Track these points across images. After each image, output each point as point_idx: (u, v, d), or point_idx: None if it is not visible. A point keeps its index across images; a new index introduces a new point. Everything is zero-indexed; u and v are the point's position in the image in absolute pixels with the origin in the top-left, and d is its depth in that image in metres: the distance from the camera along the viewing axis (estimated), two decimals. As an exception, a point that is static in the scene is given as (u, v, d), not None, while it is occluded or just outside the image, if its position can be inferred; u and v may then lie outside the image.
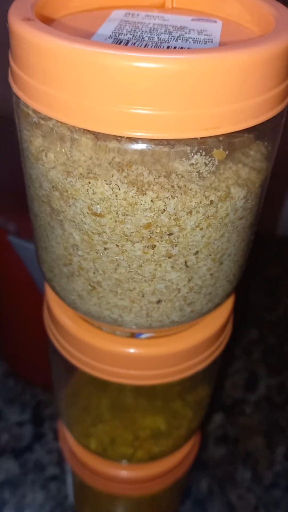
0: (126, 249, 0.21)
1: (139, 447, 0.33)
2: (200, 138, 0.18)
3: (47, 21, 0.22)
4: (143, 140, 0.18)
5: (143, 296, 0.23)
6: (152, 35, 0.21)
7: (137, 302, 0.23)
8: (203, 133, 0.17)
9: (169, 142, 0.18)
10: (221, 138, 0.18)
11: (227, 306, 0.29)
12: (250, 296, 0.68)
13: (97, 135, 0.19)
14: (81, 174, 0.19)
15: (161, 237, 0.20)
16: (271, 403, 0.56)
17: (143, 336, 0.27)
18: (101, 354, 0.26)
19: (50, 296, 0.28)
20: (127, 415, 0.33)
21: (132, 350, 0.25)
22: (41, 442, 0.52)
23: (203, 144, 0.18)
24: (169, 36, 0.21)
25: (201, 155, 0.18)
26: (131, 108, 0.17)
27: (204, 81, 0.16)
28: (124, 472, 0.36)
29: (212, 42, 0.21)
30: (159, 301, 0.23)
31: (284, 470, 0.51)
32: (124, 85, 0.16)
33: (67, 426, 0.35)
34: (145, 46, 0.20)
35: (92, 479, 0.37)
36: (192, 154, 0.18)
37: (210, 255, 0.22)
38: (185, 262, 0.22)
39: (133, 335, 0.26)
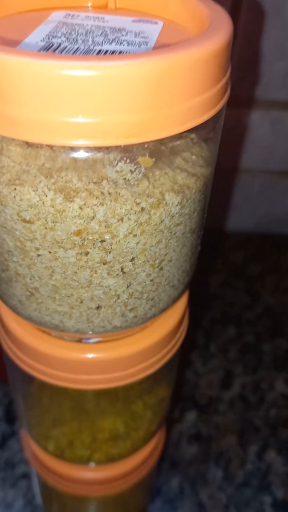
0: (59, 256, 0.20)
1: (96, 449, 0.33)
2: (123, 145, 0.17)
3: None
4: (71, 148, 0.18)
5: (81, 302, 0.22)
6: (87, 38, 0.21)
7: (76, 308, 0.23)
8: (125, 141, 0.17)
9: (100, 149, 0.18)
10: (146, 146, 0.18)
11: (179, 309, 0.29)
12: (229, 295, 0.67)
13: (27, 142, 0.19)
14: (8, 180, 0.19)
15: (93, 244, 0.20)
16: (245, 402, 0.56)
17: (91, 340, 0.26)
18: (47, 358, 0.26)
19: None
20: (85, 417, 0.33)
21: (77, 355, 0.25)
22: (12, 440, 0.52)
23: (127, 152, 0.18)
24: (104, 39, 0.21)
25: (125, 162, 0.18)
26: (46, 115, 0.16)
27: (120, 89, 0.16)
28: (86, 473, 0.36)
29: (146, 45, 0.20)
30: (98, 307, 0.23)
31: (256, 469, 0.51)
32: (41, 93, 0.16)
33: (26, 428, 0.34)
34: (76, 50, 0.20)
35: (54, 481, 0.37)
36: (116, 162, 0.18)
37: (148, 261, 0.22)
38: (122, 269, 0.21)
39: (81, 340, 0.26)
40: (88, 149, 0.18)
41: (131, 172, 0.18)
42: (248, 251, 0.74)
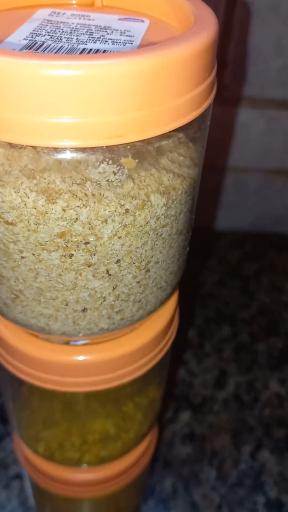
0: (43, 258, 0.20)
1: (86, 451, 0.33)
2: (106, 147, 0.17)
3: None
4: (54, 149, 0.17)
5: (67, 304, 0.22)
6: (71, 36, 0.20)
7: (61, 310, 0.22)
8: (107, 142, 0.17)
9: (83, 150, 0.18)
10: (128, 147, 0.18)
11: (169, 310, 0.28)
12: (224, 294, 0.67)
13: (10, 143, 0.18)
14: (-10, 181, 0.19)
15: (77, 246, 0.20)
16: (239, 402, 0.56)
17: (79, 342, 0.26)
18: (35, 361, 0.26)
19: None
20: (75, 419, 0.33)
21: (65, 358, 0.25)
22: (6, 441, 0.52)
23: (110, 153, 0.17)
24: (88, 37, 0.20)
25: (108, 163, 0.18)
26: (28, 116, 0.16)
27: (101, 89, 0.15)
28: (76, 475, 0.36)
29: (132, 43, 0.20)
30: (84, 310, 0.22)
31: (250, 469, 0.51)
32: (22, 93, 0.16)
33: (16, 430, 0.34)
34: (59, 49, 0.19)
35: (45, 483, 0.37)
36: (99, 163, 0.18)
37: (134, 263, 0.21)
38: (107, 271, 0.21)
39: (68, 342, 0.26)
40: (71, 150, 0.18)
41: (114, 173, 0.18)
42: (243, 250, 0.74)
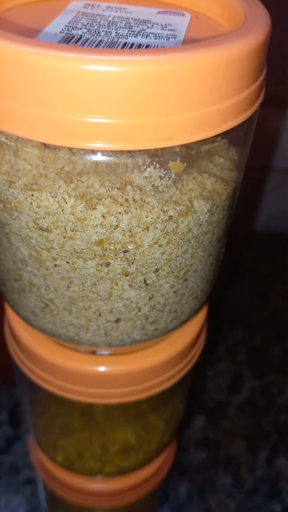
0: (77, 267, 0.19)
1: (107, 462, 0.32)
2: (153, 149, 0.16)
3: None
4: (92, 151, 0.16)
5: (99, 315, 0.21)
6: (110, 30, 0.19)
7: (93, 321, 0.21)
8: (155, 145, 0.15)
9: (124, 153, 0.16)
10: (177, 150, 0.16)
11: (199, 320, 0.27)
12: (237, 296, 0.66)
13: (45, 143, 0.17)
14: (25, 185, 0.17)
15: (115, 254, 0.18)
16: (254, 407, 0.55)
17: (106, 352, 0.25)
18: (58, 371, 0.24)
19: (8, 308, 0.27)
20: (95, 427, 0.32)
21: (90, 368, 0.24)
22: (17, 444, 0.51)
23: (156, 156, 0.16)
24: (128, 31, 0.19)
25: (154, 167, 0.16)
26: (67, 116, 0.15)
27: (150, 87, 0.14)
28: (94, 484, 0.35)
29: (175, 38, 0.19)
30: (118, 320, 0.21)
31: (266, 476, 0.50)
32: (62, 90, 0.14)
33: (34, 437, 0.33)
34: (99, 43, 0.18)
35: (62, 491, 0.36)
36: (145, 167, 0.16)
37: (173, 272, 0.20)
38: (144, 280, 0.20)
39: (95, 352, 0.25)
40: (112, 152, 0.16)
41: (161, 178, 0.17)
42: (256, 251, 0.72)
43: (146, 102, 0.15)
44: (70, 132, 0.15)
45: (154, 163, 0.16)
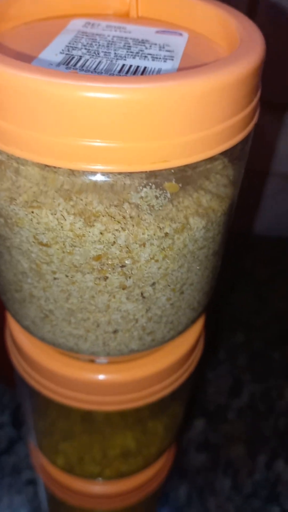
0: (76, 280, 0.19)
1: (107, 466, 0.32)
2: (149, 171, 0.16)
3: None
4: (89, 172, 0.17)
5: (98, 326, 0.21)
6: (109, 50, 0.20)
7: (92, 331, 0.22)
8: (151, 167, 0.16)
9: (121, 174, 0.17)
10: (172, 171, 0.17)
11: (196, 329, 0.28)
12: (237, 300, 0.66)
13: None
14: (25, 201, 0.18)
15: (113, 269, 0.19)
16: (254, 411, 0.56)
17: (104, 360, 0.26)
18: (58, 378, 0.25)
19: (9, 315, 0.27)
20: (95, 431, 0.32)
21: (89, 376, 0.24)
22: (19, 445, 0.52)
23: (152, 178, 0.17)
24: (127, 52, 0.20)
25: (150, 188, 0.17)
26: (67, 139, 0.15)
27: (145, 113, 0.15)
28: (94, 487, 0.35)
29: (172, 59, 0.19)
30: (115, 331, 0.22)
31: (265, 480, 0.51)
32: (63, 115, 0.15)
33: (35, 441, 0.34)
34: (98, 64, 0.18)
35: (62, 493, 0.36)
36: (141, 187, 0.17)
37: (169, 285, 0.21)
38: (141, 293, 0.20)
39: (93, 360, 0.25)
40: (110, 173, 0.17)
41: (156, 197, 0.17)
42: (256, 255, 0.73)
43: (142, 127, 0.15)
44: (70, 155, 0.16)
45: (150, 184, 0.17)
